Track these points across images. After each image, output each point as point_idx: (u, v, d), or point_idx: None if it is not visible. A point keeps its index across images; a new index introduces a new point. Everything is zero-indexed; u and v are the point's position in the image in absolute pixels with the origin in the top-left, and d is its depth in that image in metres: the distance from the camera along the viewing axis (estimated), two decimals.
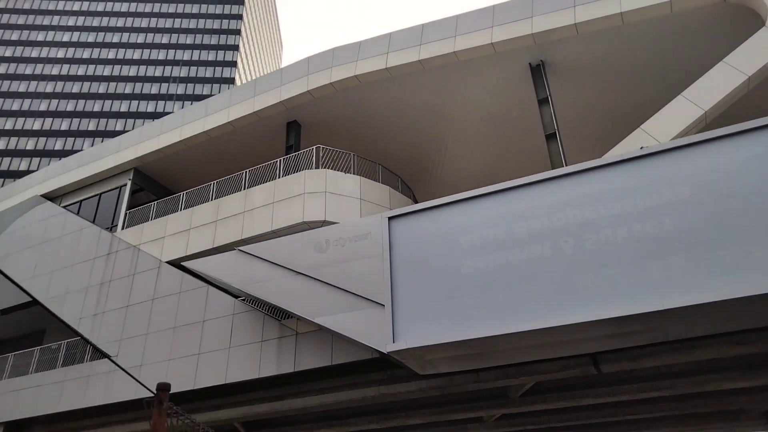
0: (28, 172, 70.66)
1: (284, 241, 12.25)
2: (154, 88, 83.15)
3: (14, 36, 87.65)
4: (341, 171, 14.99)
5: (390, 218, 10.64)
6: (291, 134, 17.16)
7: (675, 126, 11.16)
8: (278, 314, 13.12)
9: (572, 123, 16.82)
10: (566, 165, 13.42)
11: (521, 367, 11.17)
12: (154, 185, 19.59)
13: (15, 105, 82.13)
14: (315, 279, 11.13)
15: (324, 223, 13.49)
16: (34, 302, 18.19)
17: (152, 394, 3.18)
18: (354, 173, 15.07)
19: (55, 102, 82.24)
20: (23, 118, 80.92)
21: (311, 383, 13.05)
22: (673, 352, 10.21)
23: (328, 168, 15.03)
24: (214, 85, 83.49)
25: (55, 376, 16.27)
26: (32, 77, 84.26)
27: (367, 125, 17.68)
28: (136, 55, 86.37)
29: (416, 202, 16.21)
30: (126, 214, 18.22)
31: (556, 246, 8.91)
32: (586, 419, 15.08)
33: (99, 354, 15.81)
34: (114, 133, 72.28)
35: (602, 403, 14.13)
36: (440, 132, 18.19)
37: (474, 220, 9.73)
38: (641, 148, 9.49)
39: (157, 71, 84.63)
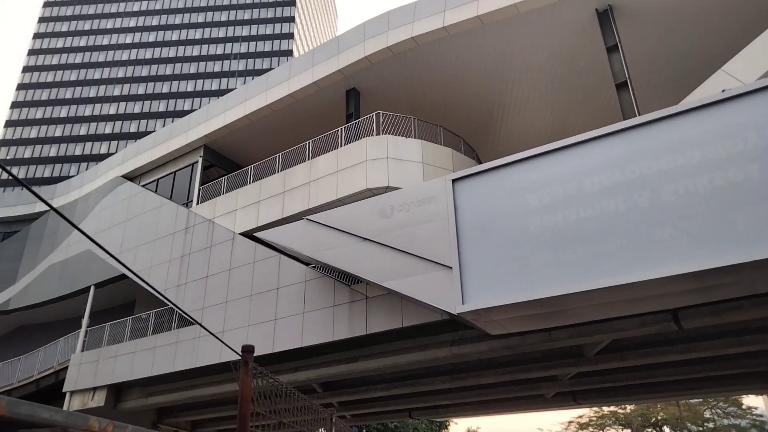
0: (108, 155, 75.11)
1: (350, 209, 12.42)
2: (217, 66, 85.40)
3: (86, 26, 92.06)
4: (402, 136, 14.91)
5: (454, 180, 10.52)
6: (350, 102, 17.20)
7: (760, 65, 10.26)
8: (348, 280, 13.44)
9: (644, 71, 15.82)
10: (639, 115, 12.71)
11: (596, 325, 10.93)
12: (224, 161, 20.31)
13: (92, 92, 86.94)
14: (381, 244, 11.27)
15: (387, 189, 13.55)
16: (124, 276, 19.57)
17: (238, 356, 3.36)
18: (415, 137, 14.96)
19: (126, 86, 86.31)
20: (100, 104, 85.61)
21: (383, 345, 13.37)
22: (763, 306, 9.64)
23: (388, 134, 15.00)
24: (273, 58, 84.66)
25: (147, 343, 17.53)
26: (105, 64, 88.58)
27: (427, 87, 17.42)
28: (198, 34, 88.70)
29: (480, 162, 15.92)
30: (199, 189, 19.05)
31: (631, 200, 8.52)
32: (666, 376, 14.63)
33: (184, 322, 16.85)
34: (182, 113, 75.05)
35: (683, 360, 13.64)
36: (502, 89, 17.64)
37: (542, 177, 9.46)
38: (722, 91, 8.80)
39: (218, 49, 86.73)
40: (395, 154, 14.22)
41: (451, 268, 10.00)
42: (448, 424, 52.74)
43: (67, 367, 19.39)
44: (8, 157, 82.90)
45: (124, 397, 18.53)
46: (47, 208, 25.72)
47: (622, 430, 42.60)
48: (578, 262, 8.63)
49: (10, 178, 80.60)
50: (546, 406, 18.64)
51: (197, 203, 18.72)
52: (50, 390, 20.26)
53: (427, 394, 17.47)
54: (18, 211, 26.49)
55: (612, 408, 40.58)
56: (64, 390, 18.79)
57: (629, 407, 40.20)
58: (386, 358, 13.45)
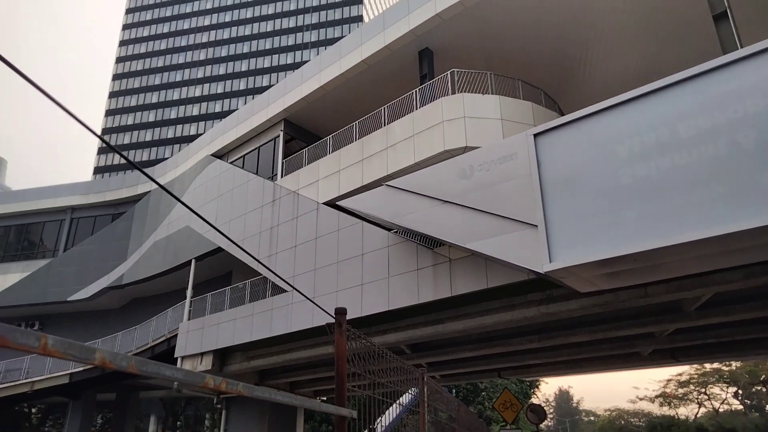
0: (196, 135, 79.28)
1: (428, 172, 12.37)
2: (290, 40, 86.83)
3: (168, 12, 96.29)
4: (479, 93, 14.52)
5: (535, 135, 10.15)
6: (424, 63, 16.92)
7: None
8: (430, 243, 13.49)
9: (743, 2, 14.28)
10: (741, 48, 11.54)
11: (696, 278, 10.32)
12: (304, 133, 20.82)
13: (178, 76, 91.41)
14: (462, 206, 11.17)
15: (466, 149, 13.33)
16: (221, 249, 20.80)
17: (331, 318, 3.50)
18: (492, 93, 14.51)
19: (208, 68, 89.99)
20: (185, 87, 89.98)
21: (469, 306, 13.41)
22: None
23: (464, 92, 14.65)
24: (343, 26, 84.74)
25: (245, 311, 18.66)
26: (187, 48, 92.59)
27: (502, 40, 16.75)
28: (270, 9, 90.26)
29: (562, 114, 15.22)
30: (283, 163, 19.70)
31: (734, 142, 7.84)
32: None
33: (278, 290, 17.73)
34: (261, 89, 77.32)
35: None
36: (584, 33, 16.61)
37: (631, 125, 8.90)
38: None
39: (291, 22, 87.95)
40: (472, 112, 13.91)
41: (536, 226, 9.76)
42: (539, 384, 52.44)
43: (176, 335, 21.10)
44: (111, 143, 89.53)
45: (229, 361, 19.95)
46: (149, 189, 27.69)
47: (727, 388, 40.39)
48: (674, 212, 8.12)
49: (114, 164, 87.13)
50: (642, 364, 18.00)
51: (281, 176, 19.40)
52: (163, 356, 22.19)
53: (516, 354, 17.41)
54: (123, 194, 28.72)
55: (715, 365, 38.49)
56: (175, 356, 20.49)
57: (735, 364, 37.94)
58: (472, 319, 13.49)
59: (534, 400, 43.32)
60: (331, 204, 16.69)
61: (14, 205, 29.96)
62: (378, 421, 4.10)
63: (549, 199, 9.68)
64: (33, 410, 42.58)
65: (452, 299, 12.91)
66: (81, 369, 24.15)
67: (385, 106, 16.43)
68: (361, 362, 3.85)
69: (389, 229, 14.55)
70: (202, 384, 1.89)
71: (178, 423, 43.56)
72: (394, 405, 4.73)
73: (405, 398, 5.30)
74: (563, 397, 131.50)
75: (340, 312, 3.59)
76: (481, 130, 13.69)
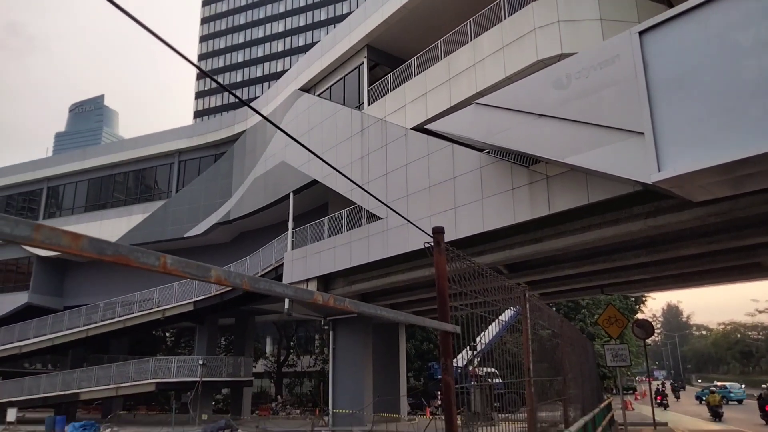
0: (283, 71, 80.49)
1: (521, 85, 11.72)
2: None
3: None
4: None
5: (640, 33, 9.17)
6: None
7: None
8: (525, 161, 13.00)
9: None
10: None
11: None
12: (388, 58, 20.36)
13: (262, 13, 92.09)
14: (559, 118, 10.54)
15: (561, 57, 12.39)
16: (315, 182, 21.45)
17: (429, 238, 3.48)
18: None
19: (290, 1, 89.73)
20: (269, 24, 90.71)
21: (569, 223, 12.95)
22: None
23: None
24: None
25: (343, 239, 19.36)
26: None
27: None
28: None
29: (671, 5, 13.60)
30: (368, 91, 19.54)
31: None
32: None
33: (373, 217, 18.13)
34: (342, 17, 76.06)
35: None
36: None
37: (757, 8, 7.75)
38: None
39: None
40: (567, 15, 12.80)
41: (642, 133, 9.03)
42: (644, 299, 50.73)
43: (282, 264, 22.45)
44: (206, 87, 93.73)
45: (332, 286, 21.03)
46: (244, 128, 28.80)
47: None
48: None
49: (211, 107, 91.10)
50: (762, 275, 16.74)
51: (368, 104, 19.31)
52: None
53: (620, 269, 16.77)
54: (222, 134, 30.13)
55: None
56: (283, 282, 21.91)
57: None
58: (573, 236, 13.06)
59: (639, 316, 42.15)
60: (420, 128, 16.45)
61: (129, 152, 32.50)
62: (479, 338, 4.12)
63: (657, 102, 8.86)
64: (167, 334, 48.10)
65: (551, 217, 12.52)
66: (202, 297, 26.61)
67: (471, 19, 15.55)
68: (460, 280, 3.84)
69: (481, 150, 14.17)
70: (311, 300, 1.95)
71: (291, 343, 47.32)
72: (495, 322, 4.73)
73: (505, 316, 5.28)
74: (671, 312, 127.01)
75: (438, 231, 3.57)
76: (577, 35, 12.62)
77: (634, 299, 47.96)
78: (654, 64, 8.94)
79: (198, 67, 2.68)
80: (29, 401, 28.78)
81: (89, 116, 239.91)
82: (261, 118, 26.66)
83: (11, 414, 27.14)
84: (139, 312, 28.06)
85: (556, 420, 7.14)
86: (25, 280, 33.18)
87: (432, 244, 3.63)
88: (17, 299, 32.58)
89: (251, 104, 29.29)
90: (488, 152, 13.94)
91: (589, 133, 10.05)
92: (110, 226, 31.00)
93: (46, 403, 29.16)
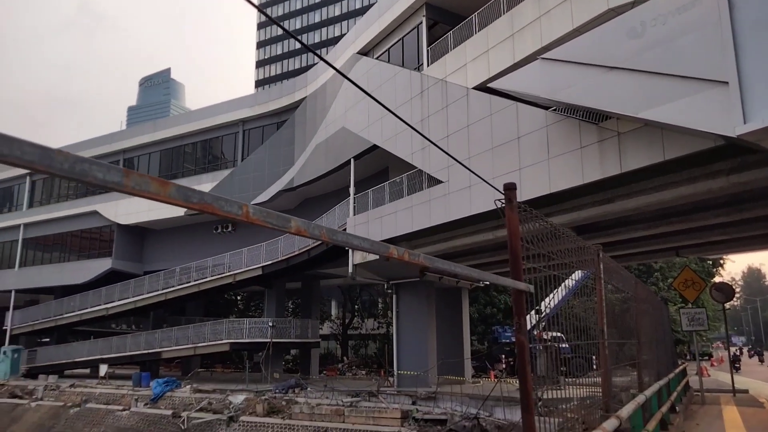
0: (341, 36, 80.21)
1: (590, 36, 11.08)
2: None
3: None
4: None
5: None
6: None
7: None
8: (595, 117, 12.39)
9: None
10: None
11: None
12: (447, 15, 19.75)
13: None
14: (633, 70, 9.93)
15: (634, 4, 11.58)
16: (375, 146, 21.43)
17: (500, 195, 3.37)
18: None
19: None
20: None
21: (643, 182, 12.32)
22: None
23: None
24: None
25: (405, 204, 19.34)
26: None
27: None
28: None
29: None
30: (428, 51, 19.10)
31: None
32: None
33: (434, 181, 17.96)
34: None
35: None
36: None
37: None
38: None
39: None
40: None
41: (725, 83, 8.37)
42: (723, 262, 48.15)
43: (345, 229, 22.79)
44: (266, 56, 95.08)
45: None
46: (304, 95, 29.04)
47: None
48: None
49: (272, 75, 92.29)
50: None
51: (428, 65, 18.90)
52: (335, 248, 24.26)
53: (697, 230, 15.90)
54: (283, 102, 30.52)
55: None
56: (346, 248, 22.24)
57: None
58: (647, 196, 12.44)
59: (717, 280, 40.10)
60: (482, 88, 15.98)
61: (196, 123, 33.59)
62: (544, 302, 4.01)
63: (743, 48, 8.16)
64: (238, 298, 50.38)
65: (622, 176, 11.95)
66: (270, 262, 27.54)
67: None
68: (532, 240, 3.73)
69: (547, 108, 13.63)
70: (386, 254, 1.93)
71: (356, 307, 48.43)
72: (564, 283, 4.60)
73: (570, 281, 5.13)
74: (753, 275, 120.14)
75: (510, 187, 3.46)
76: None
77: (711, 262, 45.61)
78: (741, 5, 8.20)
79: (268, 16, 2.65)
80: (117, 359, 31.15)
81: (158, 89, 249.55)
82: (321, 84, 26.77)
83: (102, 369, 29.51)
84: (211, 276, 29.45)
85: (628, 385, 6.95)
86: (108, 248, 35.46)
87: (503, 201, 3.52)
88: (102, 265, 34.94)
89: (311, 71, 29.41)
90: (555, 110, 13.39)
91: (665, 85, 9.43)
92: None
93: (132, 361, 31.46)
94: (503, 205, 3.54)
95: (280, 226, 1.42)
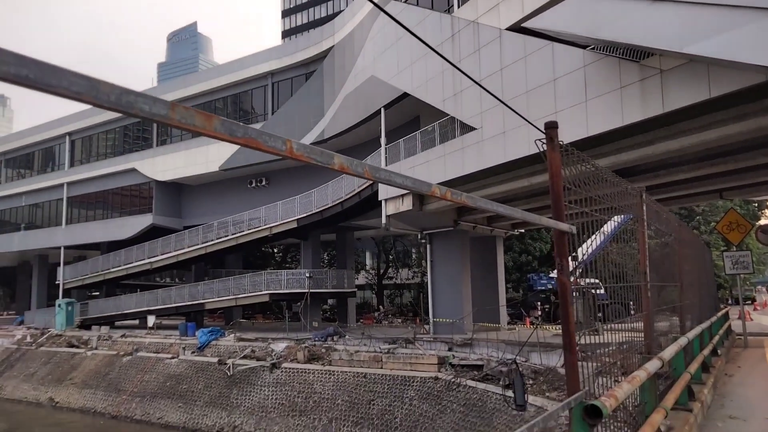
0: None
1: None
2: None
3: None
4: None
5: None
6: None
7: None
8: (636, 55, 11.81)
9: None
10: None
11: None
12: None
13: None
14: (679, 2, 9.34)
15: None
16: (406, 95, 21.05)
17: (540, 134, 3.26)
18: None
19: None
20: None
21: (687, 122, 11.81)
22: None
23: None
24: None
25: (437, 152, 19.11)
26: None
27: None
28: None
29: None
30: None
31: None
32: None
33: (467, 128, 17.63)
34: None
35: None
36: None
37: None
38: None
39: None
40: None
41: None
42: None
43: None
44: (292, 5, 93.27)
45: (427, 201, 21.07)
46: (332, 44, 28.52)
47: None
48: None
49: (298, 24, 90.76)
50: None
51: (458, 6, 18.22)
52: (369, 199, 24.34)
53: (743, 171, 15.29)
54: (311, 52, 30.08)
55: None
56: (379, 198, 22.29)
57: None
58: (690, 136, 11.95)
59: (763, 222, 38.81)
60: (515, 28, 15.35)
61: (225, 77, 33.53)
62: (586, 245, 3.93)
63: None
64: (275, 250, 51.53)
65: (664, 116, 11.47)
66: (304, 215, 27.90)
67: None
68: (574, 181, 3.62)
69: (584, 47, 13.04)
70: (429, 192, 1.90)
71: (390, 257, 48.98)
72: (602, 228, 4.49)
73: (608, 227, 5.00)
74: None
75: (551, 126, 3.34)
76: None
77: (756, 204, 44.11)
78: None
79: None
80: (163, 310, 32.55)
81: (185, 45, 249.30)
82: (348, 32, 26.18)
83: (150, 320, 30.96)
84: (248, 230, 30.09)
85: (668, 330, 6.88)
86: (148, 204, 36.47)
87: (544, 142, 3.42)
88: (143, 221, 36.05)
89: (338, 18, 28.75)
90: (593, 49, 12.80)
91: (713, 17, 8.87)
92: (216, 150, 32.80)
93: (177, 312, 32.83)
94: (544, 146, 3.43)
95: (323, 162, 1.40)
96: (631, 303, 5.17)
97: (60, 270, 39.20)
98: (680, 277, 7.28)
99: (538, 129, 3.36)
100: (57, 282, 39.25)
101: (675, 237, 7.05)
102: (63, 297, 36.90)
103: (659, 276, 6.13)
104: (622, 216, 5.15)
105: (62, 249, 40.05)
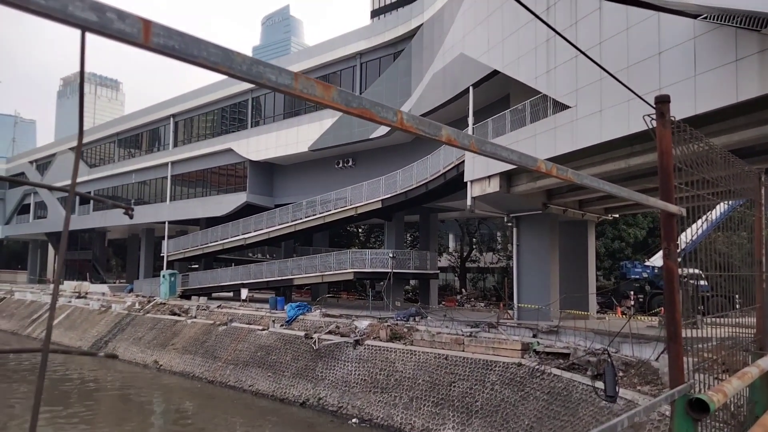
0: None
1: None
2: None
3: None
4: None
5: None
6: None
7: None
8: (756, 23, 10.72)
9: None
10: None
11: None
12: None
13: None
14: None
15: None
16: (496, 72, 20.52)
17: (650, 109, 3.05)
18: None
19: None
20: None
21: None
22: None
23: None
24: None
25: (527, 132, 18.53)
26: None
27: None
28: None
29: None
30: None
31: None
32: None
33: (560, 107, 16.91)
34: None
35: None
36: None
37: None
38: None
39: None
40: None
41: None
42: None
43: (463, 161, 22.46)
44: None
45: (515, 182, 20.58)
46: (421, 22, 28.28)
47: None
48: None
49: (387, 3, 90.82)
50: None
51: None
52: (454, 181, 24.11)
53: None
54: (399, 31, 30.00)
55: None
56: (465, 180, 22.01)
57: None
58: None
59: None
60: None
61: (315, 59, 34.29)
62: (689, 232, 3.64)
63: None
64: (359, 230, 52.58)
65: None
66: (389, 195, 28.17)
67: None
68: (684, 162, 3.37)
69: (695, 16, 12.01)
70: (534, 167, 1.84)
71: (474, 240, 48.45)
72: (712, 212, 4.16)
73: (713, 214, 4.62)
74: None
75: (663, 100, 3.12)
76: None
77: None
78: None
79: None
80: (255, 284, 34.35)
81: (278, 28, 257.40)
82: (438, 9, 25.81)
83: (243, 293, 32.79)
84: (335, 209, 30.89)
85: None
86: (242, 183, 38.39)
87: (653, 117, 3.20)
88: (238, 198, 38.03)
89: None
90: (705, 18, 11.77)
91: None
92: (305, 131, 33.80)
93: (267, 286, 34.54)
94: (652, 122, 3.21)
95: (431, 134, 1.39)
96: (737, 296, 4.79)
97: (164, 243, 42.37)
98: None
99: (648, 104, 3.15)
100: (162, 254, 42.49)
101: None
102: (167, 268, 39.91)
103: None
104: (731, 202, 4.76)
105: (166, 224, 43.20)
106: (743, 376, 3.55)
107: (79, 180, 49.01)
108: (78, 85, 0.85)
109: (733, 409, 4.81)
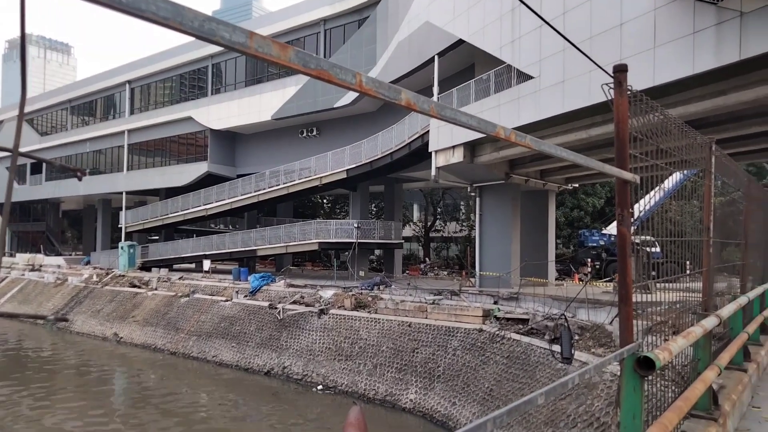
0: None
1: None
2: None
3: None
4: None
5: None
6: None
7: None
8: None
9: None
10: None
11: None
12: None
13: None
14: None
15: None
16: (461, 41, 20.42)
17: (608, 77, 3.11)
18: None
19: None
20: None
21: (763, 71, 11.00)
22: None
23: None
24: None
25: (491, 102, 18.61)
26: None
27: None
28: None
29: None
30: None
31: None
32: None
33: (524, 77, 17.01)
34: None
35: None
36: None
37: None
38: None
39: None
40: None
41: None
42: None
43: (428, 131, 22.47)
44: None
45: (478, 153, 20.76)
46: None
47: None
48: None
49: None
50: None
51: None
52: (419, 151, 24.15)
53: None
54: None
55: None
56: (429, 150, 22.07)
57: None
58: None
59: None
60: None
61: (277, 24, 33.31)
62: (643, 201, 3.77)
63: None
64: (324, 201, 52.31)
65: (741, 64, 10.70)
66: (354, 165, 28.04)
67: None
68: (639, 131, 3.46)
69: None
70: (493, 133, 1.86)
71: (438, 210, 48.90)
72: (661, 185, 4.31)
73: (668, 182, 4.79)
74: None
75: (620, 70, 3.18)
76: None
77: None
78: None
79: None
80: (217, 255, 33.93)
81: None
82: None
83: (206, 264, 32.39)
84: (299, 179, 30.58)
85: (727, 290, 6.64)
86: (203, 152, 37.49)
87: (611, 86, 3.26)
88: (199, 168, 37.18)
89: None
90: None
91: None
92: (268, 99, 33.07)
93: (230, 257, 34.17)
94: (611, 92, 3.28)
95: (391, 97, 1.39)
96: (688, 263, 5.02)
97: (122, 214, 41.25)
98: (745, 235, 6.96)
99: (608, 74, 3.20)
100: (119, 225, 41.41)
101: (743, 193, 6.70)
102: (125, 240, 38.96)
103: (722, 234, 5.89)
104: (685, 171, 4.93)
105: (124, 194, 41.99)
106: (688, 335, 3.74)
107: (29, 148, 46.90)
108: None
109: (679, 368, 5.08)
